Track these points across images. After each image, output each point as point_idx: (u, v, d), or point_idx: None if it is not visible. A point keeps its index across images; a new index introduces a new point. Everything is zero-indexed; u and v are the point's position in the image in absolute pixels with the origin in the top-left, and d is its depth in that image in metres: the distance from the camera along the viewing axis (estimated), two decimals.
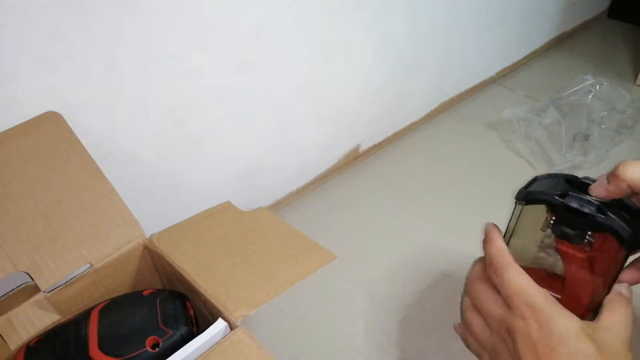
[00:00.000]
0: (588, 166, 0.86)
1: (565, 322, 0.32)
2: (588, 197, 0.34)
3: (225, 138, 0.68)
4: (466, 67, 1.02)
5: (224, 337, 0.38)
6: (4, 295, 0.44)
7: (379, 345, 0.62)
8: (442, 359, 0.60)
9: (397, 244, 0.75)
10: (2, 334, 0.41)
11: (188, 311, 0.43)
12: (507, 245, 0.38)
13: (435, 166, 0.91)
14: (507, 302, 0.35)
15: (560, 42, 1.28)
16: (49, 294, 0.43)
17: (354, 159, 0.91)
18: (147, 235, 0.47)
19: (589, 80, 0.92)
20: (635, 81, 1.10)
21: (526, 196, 0.37)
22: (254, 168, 0.75)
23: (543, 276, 0.38)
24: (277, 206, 0.83)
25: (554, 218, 0.36)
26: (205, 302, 0.41)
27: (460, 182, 0.87)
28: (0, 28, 0.43)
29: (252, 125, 0.70)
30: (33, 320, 0.42)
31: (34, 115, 0.47)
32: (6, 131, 0.46)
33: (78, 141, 0.47)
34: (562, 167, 0.86)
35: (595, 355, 0.30)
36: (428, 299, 0.67)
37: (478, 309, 0.38)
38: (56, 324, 0.43)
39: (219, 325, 0.39)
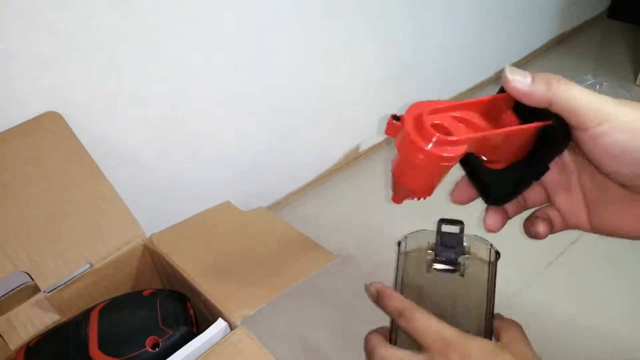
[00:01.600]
0: None
1: (479, 343, 0.35)
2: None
3: (225, 138, 0.68)
4: (466, 66, 1.02)
5: (224, 337, 0.38)
6: (4, 295, 0.44)
7: None
8: None
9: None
10: (2, 334, 0.41)
11: (188, 311, 0.43)
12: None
13: None
14: (422, 345, 0.37)
15: (560, 42, 1.28)
16: (49, 294, 0.43)
17: (354, 159, 0.91)
18: (147, 235, 0.47)
19: (589, 80, 0.92)
20: (635, 81, 1.10)
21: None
22: (254, 168, 0.75)
23: None
24: (277, 206, 0.83)
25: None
26: (205, 302, 0.41)
27: None
28: (0, 28, 0.43)
29: (252, 125, 0.70)
30: (33, 320, 0.42)
31: (34, 115, 0.47)
32: (6, 131, 0.46)
33: (78, 141, 0.47)
34: None
35: None
36: None
37: None
38: (56, 324, 0.43)
39: (219, 325, 0.39)
